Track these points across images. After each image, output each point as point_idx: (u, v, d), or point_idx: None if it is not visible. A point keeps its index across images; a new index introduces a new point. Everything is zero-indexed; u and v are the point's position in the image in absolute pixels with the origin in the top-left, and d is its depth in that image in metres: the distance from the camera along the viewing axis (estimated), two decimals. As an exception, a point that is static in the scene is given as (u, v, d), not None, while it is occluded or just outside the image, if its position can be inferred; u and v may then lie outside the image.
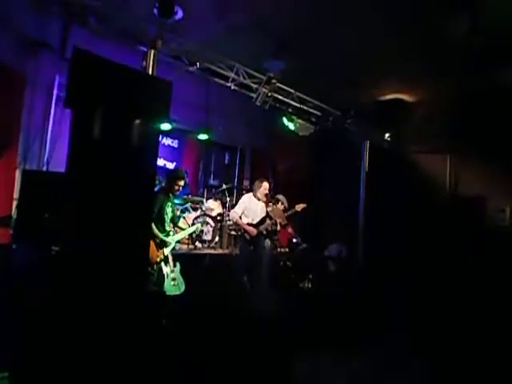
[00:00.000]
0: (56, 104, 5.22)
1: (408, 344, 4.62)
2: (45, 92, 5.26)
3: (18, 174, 4.89)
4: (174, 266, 4.74)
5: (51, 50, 4.99)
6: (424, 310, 5.63)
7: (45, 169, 5.11)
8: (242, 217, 5.76)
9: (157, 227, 4.61)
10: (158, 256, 4.58)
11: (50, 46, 4.96)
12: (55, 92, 5.24)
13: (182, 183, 4.85)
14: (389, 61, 5.75)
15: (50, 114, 5.23)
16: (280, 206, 6.07)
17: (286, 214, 6.01)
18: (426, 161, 8.11)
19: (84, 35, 4.62)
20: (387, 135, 8.11)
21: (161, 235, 4.64)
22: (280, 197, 6.31)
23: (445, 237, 7.43)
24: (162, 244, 4.66)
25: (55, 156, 5.15)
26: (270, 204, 5.83)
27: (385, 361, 4.11)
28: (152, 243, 4.52)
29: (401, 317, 5.46)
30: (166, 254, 4.66)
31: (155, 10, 4.30)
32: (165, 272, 4.61)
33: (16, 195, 4.65)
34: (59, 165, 4.82)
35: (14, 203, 4.66)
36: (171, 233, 4.86)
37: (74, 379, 2.51)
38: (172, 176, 4.93)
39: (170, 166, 7.51)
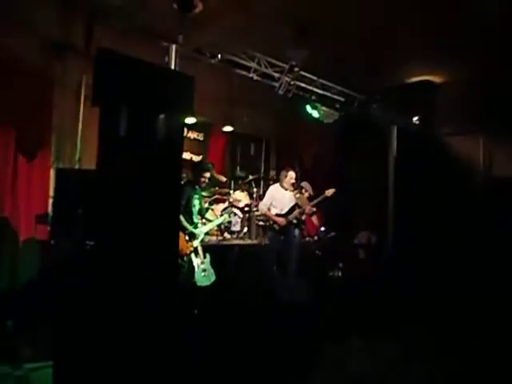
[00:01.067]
0: (84, 103, 5.37)
1: (438, 333, 4.53)
2: (73, 92, 5.41)
3: (52, 173, 5.08)
4: (204, 257, 4.82)
5: (77, 51, 5.13)
6: (457, 298, 5.49)
7: (77, 167, 5.29)
8: (271, 208, 5.77)
9: (185, 219, 4.70)
10: (187, 248, 4.67)
11: (76, 47, 5.10)
12: (83, 92, 5.38)
13: (207, 175, 4.92)
14: (414, 41, 5.57)
15: (79, 113, 5.38)
16: (305, 194, 6.00)
17: (314, 201, 5.93)
18: (457, 143, 7.84)
19: (108, 35, 4.75)
20: (415, 118, 7.87)
21: (190, 227, 4.73)
22: (304, 184, 6.24)
23: (479, 221, 7.19)
24: (191, 236, 4.75)
25: (86, 154, 5.31)
26: (296, 192, 5.78)
27: (415, 349, 4.06)
28: (182, 235, 4.61)
29: (432, 305, 5.34)
30: (195, 246, 4.75)
31: (175, 5, 4.34)
32: (195, 263, 4.70)
33: (51, 193, 4.84)
34: (90, 162, 4.99)
35: (50, 201, 4.86)
36: (199, 225, 4.94)
37: (111, 368, 2.61)
38: (197, 168, 5.01)
39: (197, 159, 7.60)
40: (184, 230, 4.67)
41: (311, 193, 6.15)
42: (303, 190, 6.10)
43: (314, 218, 7.14)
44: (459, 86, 6.89)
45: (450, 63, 6.33)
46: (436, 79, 7.12)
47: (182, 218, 4.62)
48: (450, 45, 5.60)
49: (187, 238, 4.71)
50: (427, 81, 7.18)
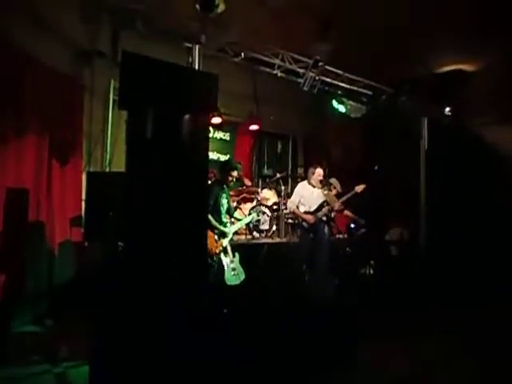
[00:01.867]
0: (113, 107, 5.50)
1: (475, 333, 4.34)
2: (102, 97, 5.56)
3: (84, 177, 5.23)
4: (234, 256, 4.82)
5: (104, 57, 5.26)
6: (495, 296, 5.24)
7: (107, 170, 5.42)
8: (299, 205, 5.71)
9: (214, 219, 4.71)
10: (217, 247, 4.69)
11: (103, 52, 5.23)
12: (111, 96, 5.51)
13: (235, 174, 4.91)
14: (445, 29, 5.36)
15: (108, 117, 5.52)
16: (333, 191, 5.90)
17: (344, 197, 5.82)
18: (492, 134, 7.48)
19: (132, 39, 4.84)
20: (447, 109, 7.59)
21: (219, 226, 4.74)
22: (333, 181, 6.13)
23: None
24: (221, 235, 4.76)
25: (116, 157, 5.44)
26: (324, 189, 5.68)
27: (451, 348, 3.90)
28: (211, 235, 4.64)
29: (468, 303, 5.12)
30: (224, 245, 4.75)
31: (197, 6, 4.36)
32: (224, 262, 4.71)
33: (84, 196, 4.99)
34: (120, 166, 5.10)
35: (83, 204, 5.01)
36: (228, 224, 4.95)
37: (143, 368, 2.65)
38: (225, 167, 5.01)
39: (224, 158, 7.63)
40: (213, 229, 4.69)
41: (339, 189, 6.04)
42: (332, 187, 6.00)
43: (348, 214, 6.94)
44: (493, 73, 6.60)
45: (483, 51, 6.07)
46: (468, 68, 6.84)
47: (210, 217, 4.64)
48: (483, 31, 5.36)
49: (216, 237, 4.72)
50: (459, 70, 6.91)
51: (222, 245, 4.73)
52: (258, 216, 6.22)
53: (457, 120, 7.61)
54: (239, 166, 5.23)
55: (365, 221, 7.16)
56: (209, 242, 4.59)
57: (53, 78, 4.72)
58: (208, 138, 3.47)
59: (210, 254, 4.58)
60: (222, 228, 4.76)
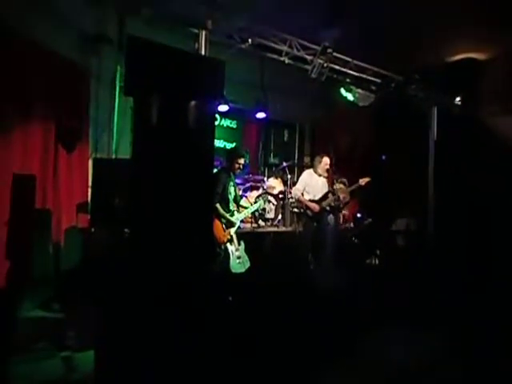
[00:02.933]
0: (119, 94, 5.48)
1: (481, 323, 4.32)
2: (108, 84, 5.53)
3: (90, 163, 5.24)
4: (239, 244, 4.83)
5: (110, 43, 5.21)
6: (500, 285, 5.20)
7: (113, 157, 5.42)
8: (304, 193, 5.70)
9: (222, 207, 4.71)
10: (225, 236, 4.69)
11: (109, 38, 5.18)
12: (118, 83, 5.48)
13: (242, 161, 4.90)
14: (456, 16, 5.24)
15: (114, 104, 5.49)
16: (341, 181, 5.91)
17: (349, 189, 5.84)
18: (503, 124, 7.35)
19: (138, 25, 4.78)
20: (458, 99, 7.46)
21: (227, 215, 4.74)
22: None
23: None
24: (229, 224, 4.76)
25: (122, 144, 5.44)
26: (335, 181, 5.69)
27: (455, 339, 3.89)
28: (219, 224, 4.64)
29: (474, 294, 5.10)
30: (232, 234, 4.75)
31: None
32: (230, 250, 4.72)
33: (90, 183, 5.00)
34: (126, 152, 5.10)
35: (90, 190, 5.02)
36: (235, 212, 4.94)
37: (148, 351, 2.67)
38: (232, 155, 4.98)
39: (230, 146, 7.60)
40: (221, 218, 4.68)
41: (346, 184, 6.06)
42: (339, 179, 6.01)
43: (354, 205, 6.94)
44: (503, 62, 6.46)
45: (492, 39, 5.94)
46: (479, 56, 6.70)
47: (218, 206, 4.63)
48: (494, 19, 5.23)
49: (224, 226, 4.72)
50: (470, 58, 6.77)
51: (229, 233, 4.73)
52: (265, 204, 6.20)
53: (467, 110, 7.49)
54: (246, 153, 5.21)
55: (368, 212, 7.16)
56: (217, 231, 4.61)
57: (59, 64, 4.69)
58: (214, 125, 3.44)
59: (218, 243, 4.59)
60: (229, 217, 4.75)
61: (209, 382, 2.82)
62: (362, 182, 5.69)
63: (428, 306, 4.65)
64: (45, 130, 4.58)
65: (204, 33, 4.35)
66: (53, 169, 4.73)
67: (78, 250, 5.00)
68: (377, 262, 6.89)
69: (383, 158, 8.01)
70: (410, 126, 7.60)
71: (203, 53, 4.37)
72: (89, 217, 4.72)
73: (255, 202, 5.82)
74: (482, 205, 6.91)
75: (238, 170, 4.99)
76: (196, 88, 3.10)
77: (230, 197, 4.84)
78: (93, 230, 4.83)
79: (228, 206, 4.82)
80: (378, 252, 6.96)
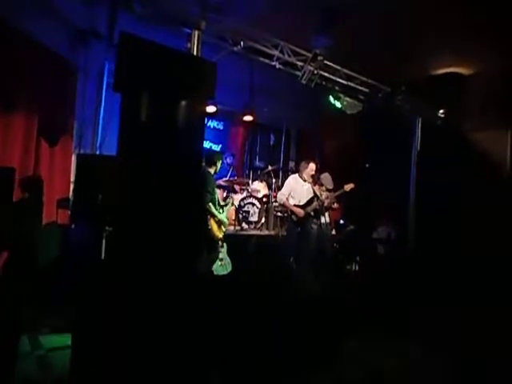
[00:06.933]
0: (106, 90, 5.40)
1: (459, 327, 4.44)
2: (96, 79, 5.45)
3: (73, 159, 5.14)
4: (222, 246, 4.81)
5: (100, 38, 5.13)
6: (479, 294, 5.33)
7: (98, 153, 5.34)
8: (289, 198, 5.72)
9: (213, 206, 4.73)
10: (220, 233, 4.71)
11: (99, 33, 5.10)
12: (105, 79, 5.40)
13: (219, 164, 4.92)
14: (442, 32, 5.38)
15: (101, 100, 5.41)
16: (323, 188, 5.95)
17: (334, 195, 5.88)
18: (483, 138, 7.54)
19: (130, 22, 4.72)
20: (441, 111, 7.64)
21: (218, 215, 4.75)
22: (325, 175, 6.16)
23: (504, 219, 6.94)
24: (219, 223, 4.77)
25: (107, 140, 5.36)
26: (316, 184, 5.72)
27: (434, 342, 3.98)
28: (214, 223, 4.66)
29: (452, 299, 5.22)
30: (224, 232, 4.76)
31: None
32: (212, 252, 4.70)
33: (72, 179, 4.90)
34: (111, 149, 5.03)
35: (71, 186, 4.93)
36: (221, 210, 4.95)
37: (130, 349, 2.63)
38: (211, 158, 4.99)
39: (216, 148, 7.59)
40: (214, 217, 4.69)
41: (330, 186, 6.08)
42: (322, 182, 6.04)
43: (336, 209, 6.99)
44: (487, 78, 6.65)
45: (478, 55, 6.11)
46: (463, 71, 6.89)
47: (211, 205, 4.65)
48: (478, 36, 5.39)
49: (217, 225, 4.74)
50: (454, 73, 6.95)
51: (223, 231, 4.74)
52: (232, 206, 6.14)
53: (449, 122, 7.68)
54: (221, 155, 5.27)
55: (351, 219, 7.24)
56: (214, 229, 4.62)
57: (45, 57, 4.60)
58: (204, 125, 3.43)
59: (216, 240, 4.65)
60: (220, 216, 4.76)
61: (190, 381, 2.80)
62: (347, 187, 5.74)
63: (398, 309, 4.77)
64: (27, 123, 4.47)
65: (197, 33, 4.32)
66: (34, 162, 4.62)
67: (56, 245, 4.89)
68: (357, 268, 6.96)
69: (367, 166, 8.12)
70: (395, 135, 7.75)
71: (195, 53, 4.34)
72: (69, 213, 4.63)
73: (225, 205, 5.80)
74: (462, 215, 7.08)
75: (215, 173, 5.01)
76: (187, 88, 3.08)
77: (217, 197, 4.85)
78: (73, 226, 4.74)
79: (215, 206, 4.82)
80: (358, 258, 7.04)
